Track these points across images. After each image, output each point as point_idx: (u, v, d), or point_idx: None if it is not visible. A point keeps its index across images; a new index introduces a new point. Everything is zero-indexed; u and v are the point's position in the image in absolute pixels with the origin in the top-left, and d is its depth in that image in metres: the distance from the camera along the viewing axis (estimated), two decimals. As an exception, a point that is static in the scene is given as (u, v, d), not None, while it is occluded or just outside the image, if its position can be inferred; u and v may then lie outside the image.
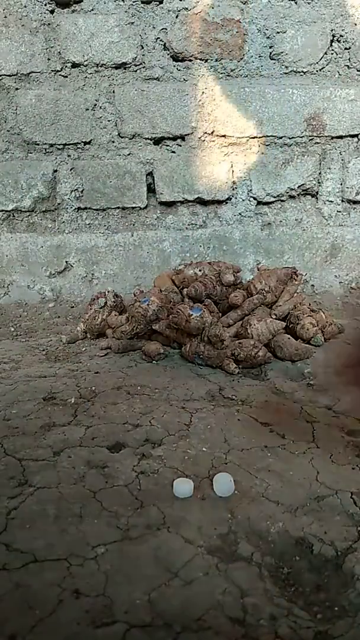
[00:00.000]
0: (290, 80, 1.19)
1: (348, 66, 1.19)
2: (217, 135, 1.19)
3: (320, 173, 1.24)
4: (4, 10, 1.10)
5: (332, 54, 1.18)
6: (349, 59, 1.19)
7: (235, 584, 0.32)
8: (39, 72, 1.14)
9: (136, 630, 0.28)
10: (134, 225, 1.23)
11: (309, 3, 1.15)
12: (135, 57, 1.14)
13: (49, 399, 0.62)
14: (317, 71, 1.19)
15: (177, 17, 1.12)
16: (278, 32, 1.15)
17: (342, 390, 0.67)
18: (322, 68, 1.19)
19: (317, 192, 1.25)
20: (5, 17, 1.11)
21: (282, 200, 1.25)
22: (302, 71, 1.18)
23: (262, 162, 1.22)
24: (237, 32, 1.15)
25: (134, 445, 0.49)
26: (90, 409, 0.59)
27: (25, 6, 1.10)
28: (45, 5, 1.11)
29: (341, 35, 1.17)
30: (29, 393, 0.64)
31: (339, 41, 1.18)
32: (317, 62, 1.18)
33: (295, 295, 0.98)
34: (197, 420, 0.57)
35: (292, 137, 1.21)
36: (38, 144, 1.17)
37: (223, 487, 0.45)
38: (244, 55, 1.16)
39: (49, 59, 1.13)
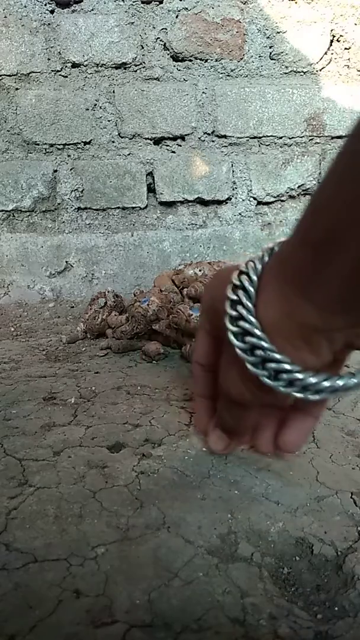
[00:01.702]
0: (290, 80, 1.19)
1: (348, 66, 1.20)
2: (217, 135, 1.20)
3: (320, 173, 1.24)
4: (4, 10, 1.10)
5: (332, 54, 1.18)
6: (349, 59, 1.19)
7: (235, 584, 0.32)
8: (39, 72, 1.14)
9: (136, 630, 0.28)
10: (134, 225, 1.23)
11: (308, 3, 1.15)
12: (135, 57, 1.14)
13: (49, 399, 0.62)
14: (317, 71, 1.19)
15: (177, 17, 1.12)
16: (278, 32, 1.16)
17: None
18: (322, 68, 1.19)
19: (317, 192, 1.25)
20: (5, 17, 1.11)
21: (282, 200, 1.25)
22: (302, 71, 1.19)
23: (262, 162, 1.22)
24: (237, 32, 1.15)
25: (134, 445, 0.49)
26: (90, 409, 0.59)
27: (25, 6, 1.11)
28: (45, 5, 1.11)
29: (341, 35, 1.17)
30: (29, 393, 0.64)
31: (339, 41, 1.18)
32: (317, 62, 1.18)
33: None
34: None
35: (292, 137, 1.21)
36: (38, 144, 1.17)
37: None
38: (244, 55, 1.16)
39: (49, 59, 1.13)
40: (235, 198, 1.23)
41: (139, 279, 1.24)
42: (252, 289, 0.30)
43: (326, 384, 0.30)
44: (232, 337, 0.31)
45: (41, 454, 0.47)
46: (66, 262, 1.22)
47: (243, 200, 1.24)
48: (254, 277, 0.31)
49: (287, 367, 0.29)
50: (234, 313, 0.31)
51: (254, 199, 1.24)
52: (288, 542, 0.36)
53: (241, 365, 0.31)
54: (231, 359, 0.33)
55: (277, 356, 0.29)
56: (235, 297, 0.31)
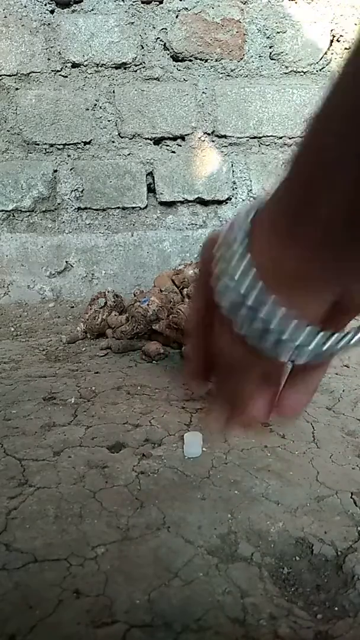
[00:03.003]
0: (290, 80, 1.19)
1: (348, 66, 1.20)
2: (217, 135, 1.20)
3: (320, 173, 1.24)
4: (4, 10, 1.10)
5: (332, 54, 1.18)
6: (349, 59, 1.19)
7: (235, 584, 0.32)
8: (39, 72, 1.14)
9: (136, 630, 0.28)
10: (134, 225, 1.23)
11: (308, 3, 1.15)
12: (135, 57, 1.14)
13: (49, 399, 0.62)
14: (317, 71, 1.19)
15: (177, 17, 1.12)
16: (278, 32, 1.16)
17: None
18: (322, 68, 1.19)
19: (317, 192, 1.25)
20: (5, 17, 1.11)
21: (282, 200, 1.25)
22: (302, 71, 1.18)
23: (262, 162, 1.22)
24: (237, 32, 1.15)
25: (134, 445, 0.49)
26: (90, 409, 0.59)
27: (25, 6, 1.11)
28: (45, 5, 1.11)
29: (341, 35, 1.17)
30: (29, 393, 0.64)
31: (339, 41, 1.18)
32: (317, 62, 1.18)
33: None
34: (197, 420, 0.57)
35: (292, 137, 1.21)
36: (38, 144, 1.17)
37: (191, 448, 0.48)
38: (244, 55, 1.16)
39: (49, 59, 1.13)
40: (235, 198, 1.24)
41: (139, 279, 1.24)
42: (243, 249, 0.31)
43: (318, 340, 0.29)
44: (220, 292, 0.32)
45: (41, 454, 0.47)
46: (66, 262, 1.22)
47: (243, 200, 1.24)
48: (242, 236, 0.32)
49: (273, 324, 0.29)
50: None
51: (254, 199, 1.24)
52: (288, 542, 0.36)
53: (231, 325, 0.32)
54: (222, 320, 0.33)
55: (268, 302, 0.29)
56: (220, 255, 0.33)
